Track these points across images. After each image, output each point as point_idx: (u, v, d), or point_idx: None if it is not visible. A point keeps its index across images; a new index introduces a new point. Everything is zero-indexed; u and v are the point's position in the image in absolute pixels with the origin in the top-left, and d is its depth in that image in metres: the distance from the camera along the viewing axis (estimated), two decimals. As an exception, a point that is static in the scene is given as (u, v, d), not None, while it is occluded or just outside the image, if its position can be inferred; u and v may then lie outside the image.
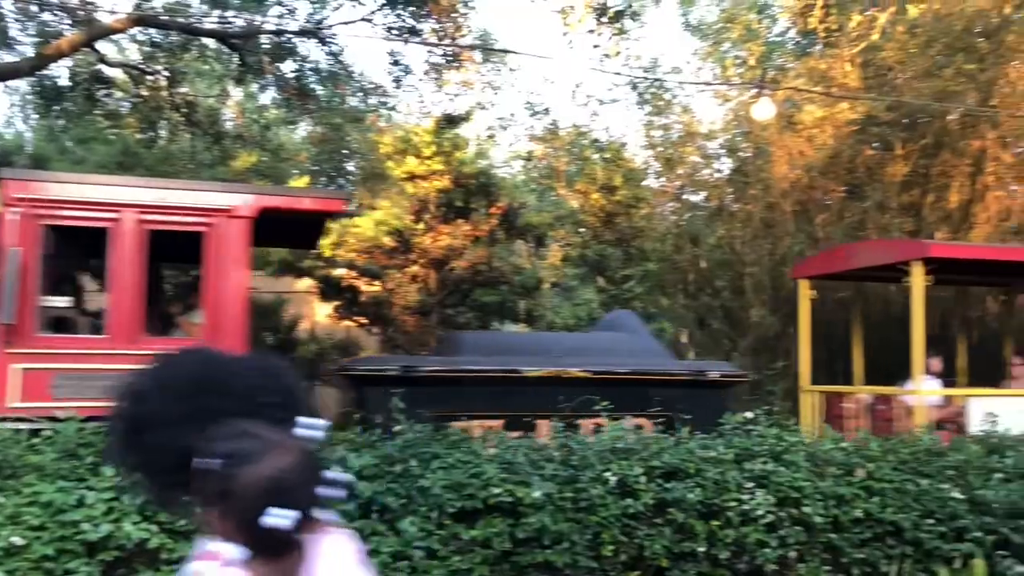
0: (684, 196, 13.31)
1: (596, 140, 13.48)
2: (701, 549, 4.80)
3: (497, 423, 6.13)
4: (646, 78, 12.70)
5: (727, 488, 4.94)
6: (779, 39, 13.58)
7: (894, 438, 5.85)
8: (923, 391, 7.57)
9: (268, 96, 15.54)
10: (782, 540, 4.92)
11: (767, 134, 12.01)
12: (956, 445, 5.76)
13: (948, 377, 8.97)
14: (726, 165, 13.56)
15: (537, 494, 4.70)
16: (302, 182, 14.96)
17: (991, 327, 11.54)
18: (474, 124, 13.60)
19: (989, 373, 9.51)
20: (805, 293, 9.30)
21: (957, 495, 5.24)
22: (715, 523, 4.87)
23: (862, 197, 12.07)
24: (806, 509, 4.96)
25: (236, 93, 17.68)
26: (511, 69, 17.32)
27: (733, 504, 4.91)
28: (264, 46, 12.66)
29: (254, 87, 14.85)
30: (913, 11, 11.45)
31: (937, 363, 8.40)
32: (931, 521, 5.17)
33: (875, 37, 11.25)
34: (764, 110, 10.40)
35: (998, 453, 5.73)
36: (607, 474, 4.89)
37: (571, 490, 4.82)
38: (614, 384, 6.97)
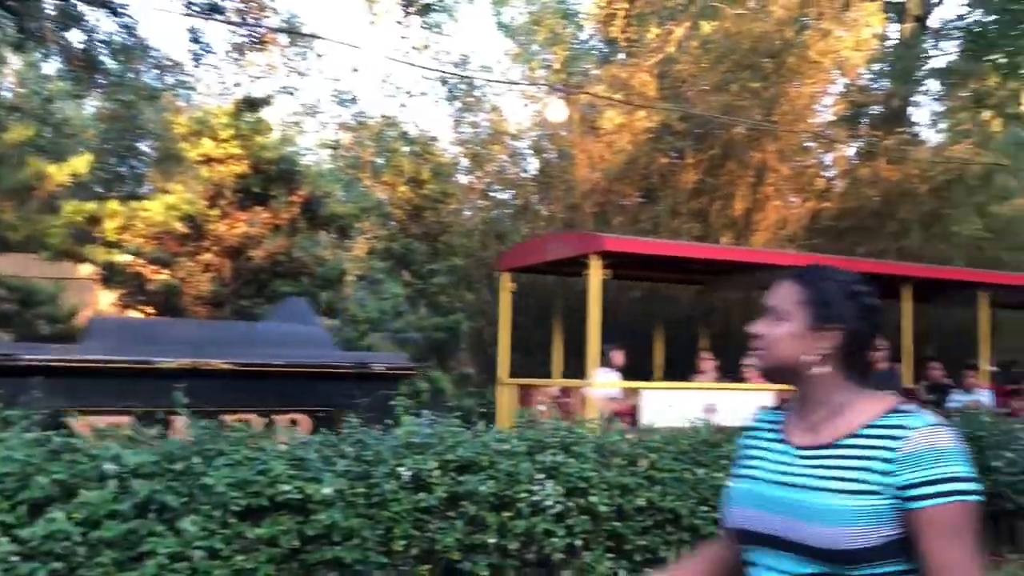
0: (491, 193, 13.53)
1: (405, 132, 13.45)
2: (492, 540, 4.88)
3: (124, 419, 5.66)
4: (453, 74, 12.80)
5: (519, 480, 5.06)
6: (584, 45, 14.09)
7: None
8: (598, 383, 7.77)
9: (52, 67, 14.37)
10: (569, 529, 5.10)
11: (570, 137, 12.43)
12: (730, 435, 6.19)
13: (643, 370, 9.51)
14: (532, 165, 13.92)
15: (328, 490, 4.61)
16: (86, 160, 13.95)
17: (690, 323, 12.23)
18: (277, 109, 13.20)
19: (686, 368, 9.95)
20: (506, 285, 9.30)
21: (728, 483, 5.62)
22: (506, 514, 4.97)
23: (656, 202, 12.75)
24: (592, 499, 5.17)
25: (15, 61, 16.24)
26: (318, 55, 16.94)
27: (524, 495, 5.03)
28: (47, 12, 11.69)
29: (36, 55, 13.69)
30: (706, 28, 12.22)
31: (619, 356, 8.47)
32: (706, 508, 5.52)
33: (671, 50, 11.90)
34: (557, 112, 10.78)
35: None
36: (401, 469, 4.88)
37: (363, 486, 4.76)
38: (263, 377, 6.72)
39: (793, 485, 1.70)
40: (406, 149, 13.26)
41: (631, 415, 7.61)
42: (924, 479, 1.57)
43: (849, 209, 13.95)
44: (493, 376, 9.63)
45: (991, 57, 15.19)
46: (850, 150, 14.97)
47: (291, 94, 15.40)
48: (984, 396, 9.49)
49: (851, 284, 1.75)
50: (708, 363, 9.34)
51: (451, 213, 12.77)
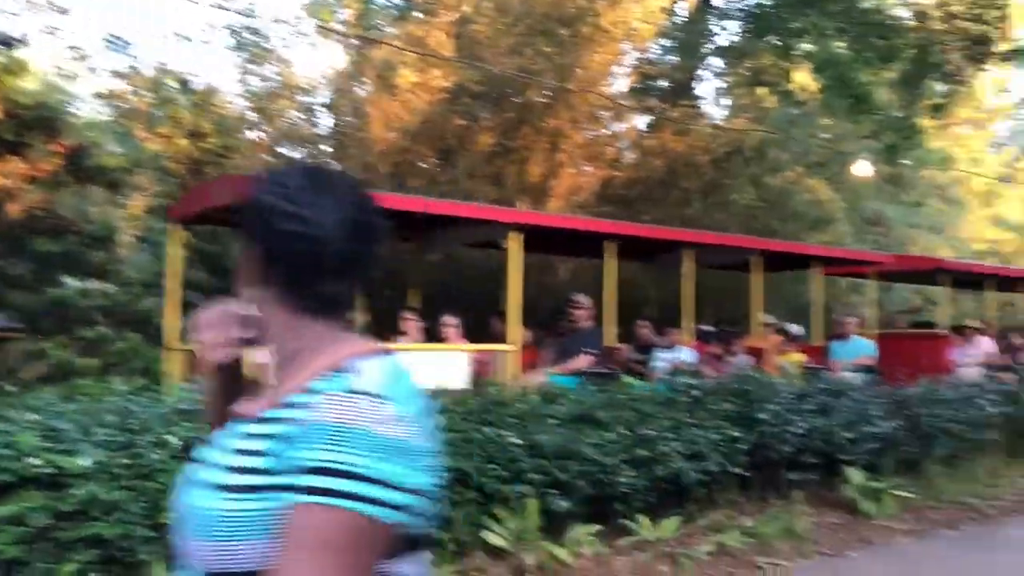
0: (280, 150, 13.01)
1: (184, 82, 12.64)
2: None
3: None
4: (242, 27, 12.16)
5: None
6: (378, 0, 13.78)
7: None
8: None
9: None
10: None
11: (365, 95, 12.16)
12: (518, 395, 6.29)
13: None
14: (327, 122, 13.51)
15: (85, 462, 4.26)
16: None
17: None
18: (37, 50, 12.01)
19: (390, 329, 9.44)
20: (176, 238, 8.38)
21: (516, 440, 5.71)
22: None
23: (454, 164, 12.76)
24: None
25: None
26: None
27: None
28: None
29: None
30: (502, -11, 12.28)
31: None
32: (493, 466, 5.57)
33: (467, 9, 11.87)
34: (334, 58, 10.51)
35: (553, 401, 6.36)
36: (169, 436, 4.58)
37: (127, 456, 4.44)
38: None
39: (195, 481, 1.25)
40: (185, 100, 12.49)
41: None
42: (303, 465, 1.10)
43: (638, 178, 14.58)
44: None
45: (768, 38, 16.27)
46: (640, 121, 15.63)
47: (52, 33, 14.05)
48: (685, 354, 9.69)
49: (276, 190, 1.25)
50: (411, 324, 8.63)
51: (235, 169, 12.17)
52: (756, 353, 10.46)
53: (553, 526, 5.92)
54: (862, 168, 15.40)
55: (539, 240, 9.56)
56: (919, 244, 20.96)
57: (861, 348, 11.31)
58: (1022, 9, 19.24)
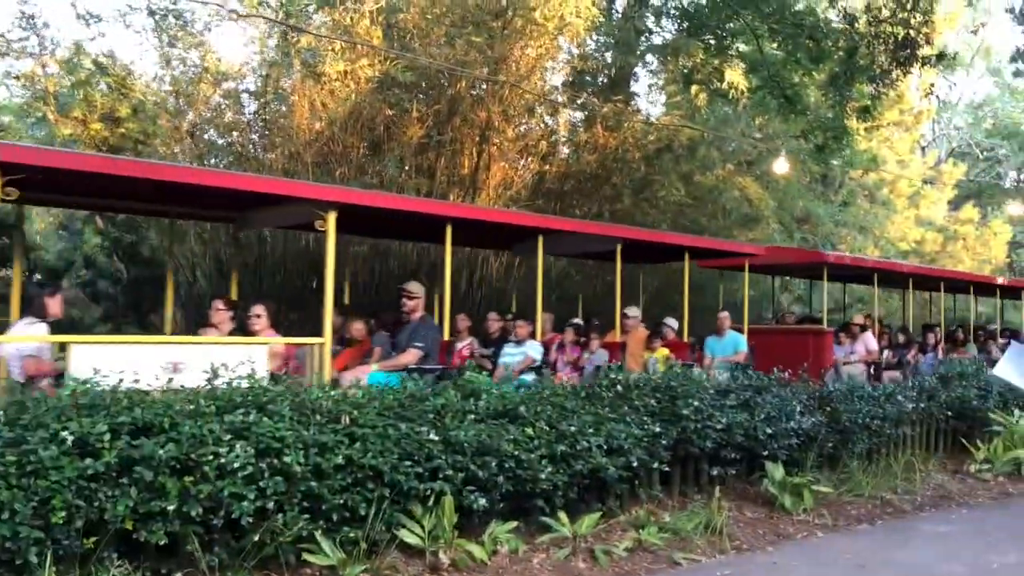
0: (203, 136, 12.68)
1: (100, 63, 12.22)
2: (172, 507, 4.55)
3: None
4: (163, 9, 11.77)
5: (204, 442, 4.75)
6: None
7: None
8: (11, 337, 6.40)
9: None
10: (261, 491, 4.87)
11: (290, 83, 11.92)
12: (437, 390, 6.22)
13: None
14: (251, 108, 13.21)
15: (-32, 460, 4.07)
16: None
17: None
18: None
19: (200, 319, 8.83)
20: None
21: (433, 437, 5.63)
22: (189, 479, 4.65)
23: (382, 155, 12.59)
24: (287, 459, 4.96)
25: None
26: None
27: (210, 458, 4.73)
28: None
29: None
30: (431, -22, 12.14)
31: (56, 304, 6.74)
32: (409, 463, 5.49)
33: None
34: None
35: (474, 397, 6.30)
36: (64, 433, 4.40)
37: (15, 453, 4.26)
38: None
39: None
40: (99, 82, 12.08)
41: (57, 376, 6.09)
42: None
43: (570, 172, 14.61)
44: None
45: (703, 37, 16.43)
46: (574, 116, 15.64)
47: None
48: (532, 348, 9.29)
49: None
50: (222, 314, 7.72)
51: (154, 156, 11.82)
52: (614, 348, 10.25)
53: (471, 524, 5.87)
54: (781, 166, 15.65)
55: (368, 222, 9.11)
56: (847, 243, 21.46)
57: (735, 343, 11.40)
58: (945, 16, 19.81)
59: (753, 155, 16.77)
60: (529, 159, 14.49)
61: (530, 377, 8.70)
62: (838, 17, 13.28)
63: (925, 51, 12.77)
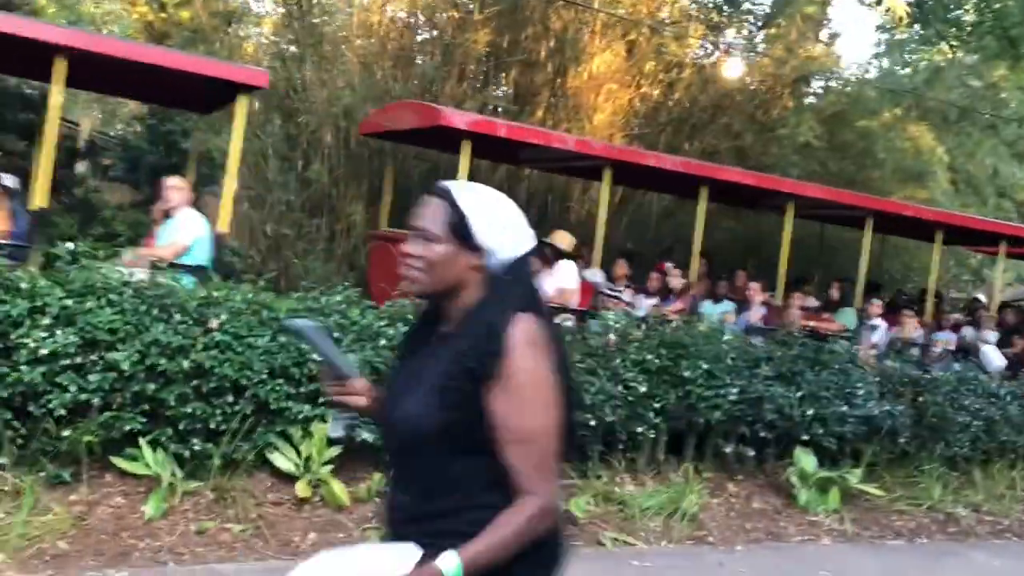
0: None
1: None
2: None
3: None
4: None
5: (18, 324, 4.45)
6: None
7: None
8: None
9: None
10: (84, 385, 4.52)
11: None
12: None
13: None
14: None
15: None
16: None
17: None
18: None
19: None
20: None
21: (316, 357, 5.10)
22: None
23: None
24: (117, 355, 4.58)
25: None
26: None
27: (23, 343, 4.43)
28: None
29: None
30: None
31: None
32: (281, 381, 5.00)
33: None
34: None
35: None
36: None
37: None
38: None
39: None
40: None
41: None
42: None
43: (692, 102, 13.37)
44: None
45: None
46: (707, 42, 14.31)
47: None
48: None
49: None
50: None
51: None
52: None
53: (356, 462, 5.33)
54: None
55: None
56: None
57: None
58: None
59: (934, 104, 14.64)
60: (651, 84, 13.31)
61: None
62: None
63: None
